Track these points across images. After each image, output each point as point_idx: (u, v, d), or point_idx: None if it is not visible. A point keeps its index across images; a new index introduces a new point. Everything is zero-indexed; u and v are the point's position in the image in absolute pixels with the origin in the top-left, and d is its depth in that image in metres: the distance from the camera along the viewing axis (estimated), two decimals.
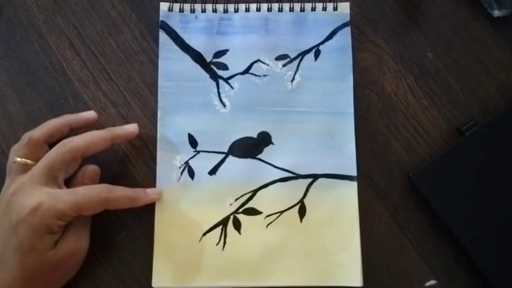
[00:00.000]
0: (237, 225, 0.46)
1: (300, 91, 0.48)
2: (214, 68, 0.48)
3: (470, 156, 0.46)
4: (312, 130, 0.47)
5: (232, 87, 0.48)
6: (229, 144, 0.47)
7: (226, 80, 0.48)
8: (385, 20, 0.50)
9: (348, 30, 0.49)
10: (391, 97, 0.49)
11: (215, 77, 0.48)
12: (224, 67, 0.48)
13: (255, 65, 0.49)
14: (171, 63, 0.49)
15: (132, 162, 0.48)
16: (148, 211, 0.46)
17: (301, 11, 0.49)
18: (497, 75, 0.49)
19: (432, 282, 0.45)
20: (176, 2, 0.50)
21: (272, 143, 0.47)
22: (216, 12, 0.49)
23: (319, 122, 0.47)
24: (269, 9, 0.50)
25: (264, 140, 0.47)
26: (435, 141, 0.48)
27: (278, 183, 0.46)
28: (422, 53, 0.50)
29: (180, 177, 0.47)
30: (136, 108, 0.49)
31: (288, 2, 0.50)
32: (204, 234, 0.46)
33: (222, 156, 0.47)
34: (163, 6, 0.49)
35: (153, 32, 0.50)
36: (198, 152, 0.47)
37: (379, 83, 0.49)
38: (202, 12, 0.49)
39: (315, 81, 0.48)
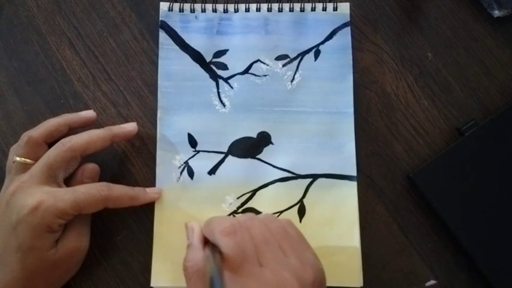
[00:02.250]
0: None
1: (299, 91, 0.48)
2: (214, 68, 0.48)
3: (470, 156, 0.46)
4: (312, 130, 0.47)
5: (232, 87, 0.48)
6: (229, 144, 0.47)
7: (226, 79, 0.48)
8: (385, 20, 0.50)
9: (347, 30, 0.49)
10: (391, 97, 0.49)
11: (215, 77, 0.48)
12: (224, 67, 0.49)
13: (254, 65, 0.49)
14: (171, 63, 0.49)
15: (132, 162, 0.48)
16: (148, 211, 0.46)
17: (301, 11, 0.50)
18: (497, 75, 0.49)
19: (432, 282, 0.45)
20: (176, 1, 0.50)
21: (272, 143, 0.47)
22: (216, 12, 0.50)
23: (319, 122, 0.47)
24: (269, 9, 0.50)
25: (263, 140, 0.47)
26: (435, 141, 0.48)
27: (277, 183, 0.46)
28: (422, 53, 0.50)
29: (179, 177, 0.47)
30: (136, 108, 0.49)
31: (288, 2, 0.50)
32: None
33: (222, 156, 0.47)
34: (163, 6, 0.50)
35: (153, 32, 0.50)
36: (198, 151, 0.47)
37: (379, 83, 0.49)
38: (202, 12, 0.50)
39: (314, 81, 0.48)
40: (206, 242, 0.39)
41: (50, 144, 0.43)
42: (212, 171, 0.47)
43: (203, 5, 0.50)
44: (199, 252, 0.38)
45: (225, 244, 0.35)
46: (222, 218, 0.39)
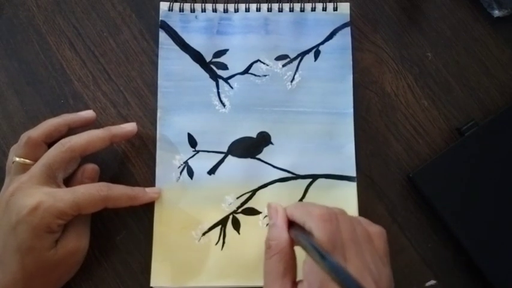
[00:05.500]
0: (236, 225, 0.46)
1: (299, 91, 0.48)
2: (214, 68, 0.48)
3: (470, 156, 0.46)
4: (312, 130, 0.47)
5: (231, 87, 0.48)
6: (229, 144, 0.47)
7: (226, 79, 0.48)
8: (385, 20, 0.50)
9: (347, 30, 0.49)
10: (391, 97, 0.49)
11: (215, 77, 0.48)
12: (224, 67, 0.48)
13: (254, 65, 0.49)
14: (171, 62, 0.49)
15: (132, 162, 0.48)
16: (148, 211, 0.46)
17: (301, 11, 0.49)
18: (497, 75, 0.49)
19: (432, 282, 0.45)
20: (176, 1, 0.50)
21: (271, 143, 0.47)
22: (216, 12, 0.49)
23: (319, 122, 0.47)
24: (269, 10, 0.50)
25: (263, 140, 0.47)
26: (435, 141, 0.48)
27: (277, 183, 0.46)
28: (422, 53, 0.50)
29: (179, 177, 0.47)
30: (136, 108, 0.49)
31: (288, 2, 0.50)
32: (203, 234, 0.46)
33: (222, 156, 0.47)
34: (163, 6, 0.49)
35: (153, 32, 0.50)
36: (198, 151, 0.47)
37: (379, 83, 0.49)
38: (202, 12, 0.50)
39: (314, 82, 0.48)
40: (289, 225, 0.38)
41: (50, 145, 0.43)
42: (212, 171, 0.47)
43: (203, 4, 0.50)
44: (284, 233, 0.37)
45: (321, 229, 0.34)
46: (317, 204, 0.38)
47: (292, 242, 0.36)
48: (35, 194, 0.39)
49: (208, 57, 0.49)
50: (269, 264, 0.36)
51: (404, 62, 0.49)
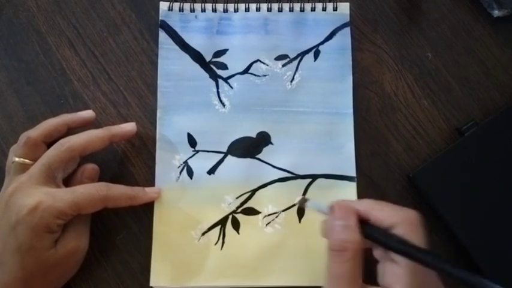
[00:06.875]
0: (236, 225, 0.46)
1: (299, 91, 0.48)
2: (214, 68, 0.48)
3: (470, 156, 0.46)
4: (311, 130, 0.47)
5: (231, 87, 0.48)
6: (228, 144, 0.47)
7: (225, 79, 0.48)
8: (385, 20, 0.50)
9: (347, 30, 0.49)
10: (391, 97, 0.49)
11: (215, 77, 0.48)
12: (224, 67, 0.48)
13: (254, 64, 0.49)
14: (171, 62, 0.49)
15: (132, 161, 0.48)
16: (148, 211, 0.46)
17: (300, 11, 0.49)
18: (497, 75, 0.49)
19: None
20: (176, 1, 0.50)
21: (271, 143, 0.47)
22: (215, 11, 0.50)
23: (319, 122, 0.47)
24: (269, 9, 0.49)
25: (263, 140, 0.47)
26: (435, 141, 0.48)
27: (277, 183, 0.46)
28: (422, 53, 0.50)
29: (179, 177, 0.47)
30: (136, 108, 0.49)
31: (287, 2, 0.50)
32: (203, 234, 0.46)
33: (221, 155, 0.47)
34: (163, 6, 0.50)
35: (153, 32, 0.50)
36: (197, 151, 0.47)
37: (379, 83, 0.49)
38: (202, 11, 0.50)
39: (314, 82, 0.48)
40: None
41: (49, 145, 0.43)
42: (211, 171, 0.47)
43: (203, 4, 0.50)
44: (358, 235, 0.36)
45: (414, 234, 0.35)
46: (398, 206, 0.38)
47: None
48: (34, 194, 0.39)
49: (208, 57, 0.49)
50: (343, 268, 0.35)
51: (404, 62, 0.49)
